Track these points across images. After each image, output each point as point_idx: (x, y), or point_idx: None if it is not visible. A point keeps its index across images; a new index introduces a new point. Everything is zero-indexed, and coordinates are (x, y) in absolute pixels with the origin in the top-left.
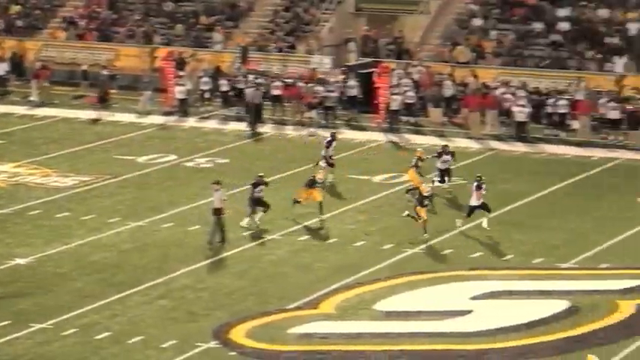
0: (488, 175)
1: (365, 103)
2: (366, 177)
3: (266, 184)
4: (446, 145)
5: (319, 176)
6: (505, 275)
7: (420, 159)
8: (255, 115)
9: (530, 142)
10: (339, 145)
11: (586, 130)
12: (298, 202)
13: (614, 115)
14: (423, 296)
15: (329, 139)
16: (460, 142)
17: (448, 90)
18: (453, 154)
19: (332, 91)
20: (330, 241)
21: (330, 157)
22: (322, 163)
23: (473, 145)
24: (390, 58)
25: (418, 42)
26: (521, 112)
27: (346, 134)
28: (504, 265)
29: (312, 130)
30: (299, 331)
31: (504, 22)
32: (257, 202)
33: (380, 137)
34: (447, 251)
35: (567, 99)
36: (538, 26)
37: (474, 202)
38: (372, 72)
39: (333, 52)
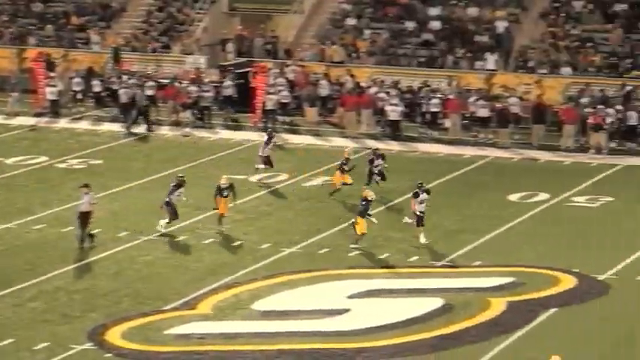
0: (362, 174)
1: (241, 102)
2: (242, 177)
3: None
4: (376, 149)
5: (222, 181)
6: (382, 274)
7: (347, 159)
8: (139, 116)
9: (404, 141)
10: (215, 145)
11: (457, 129)
12: (219, 212)
13: (483, 113)
14: (300, 295)
15: (266, 138)
16: (336, 142)
17: (323, 89)
18: (383, 156)
19: (207, 91)
20: (207, 241)
21: (267, 156)
22: (260, 166)
23: (349, 144)
24: (266, 57)
25: (292, 41)
26: (394, 110)
27: (222, 134)
28: (381, 264)
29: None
30: (176, 332)
31: (377, 21)
32: (171, 206)
33: (256, 137)
34: (324, 250)
35: (439, 97)
36: (410, 25)
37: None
38: (248, 72)
39: (208, 52)
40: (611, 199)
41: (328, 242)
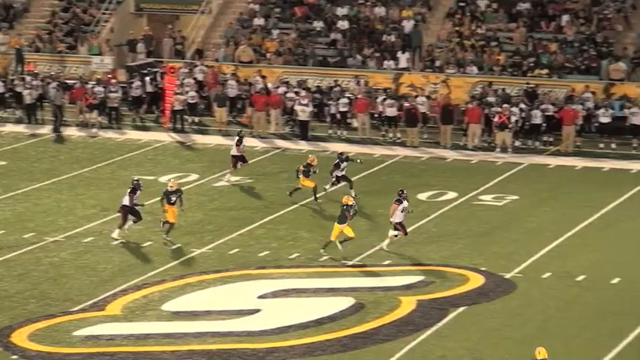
0: (273, 174)
1: (149, 103)
2: (152, 177)
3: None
4: (341, 153)
5: (170, 184)
6: (292, 273)
7: (310, 165)
8: (57, 116)
9: (313, 141)
10: (123, 146)
11: (366, 128)
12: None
13: (391, 112)
14: (211, 296)
15: (237, 139)
16: (246, 142)
17: (232, 89)
18: (347, 159)
19: (114, 92)
20: (115, 242)
21: (240, 155)
22: (238, 165)
23: (259, 144)
24: (175, 57)
25: (200, 41)
26: (303, 110)
27: (130, 135)
28: (291, 264)
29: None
30: (84, 333)
31: (285, 21)
32: (132, 211)
33: (165, 138)
34: (234, 250)
35: (348, 97)
36: (318, 25)
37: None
38: (157, 72)
39: (115, 53)
40: (516, 197)
41: (238, 243)
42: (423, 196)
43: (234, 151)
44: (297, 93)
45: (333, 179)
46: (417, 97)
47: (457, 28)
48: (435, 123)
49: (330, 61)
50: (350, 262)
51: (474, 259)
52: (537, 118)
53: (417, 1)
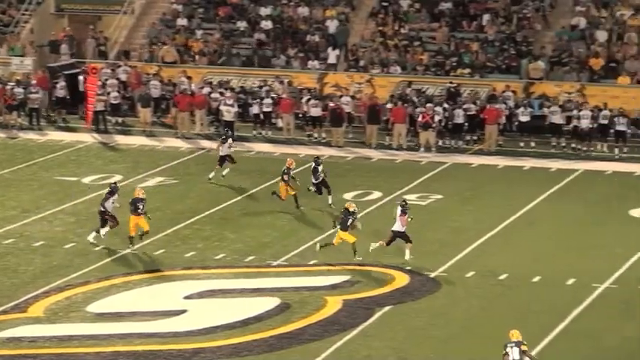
0: (198, 174)
1: (72, 104)
2: (74, 178)
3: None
4: (317, 158)
5: (138, 194)
6: (218, 274)
7: (288, 168)
8: None
9: (238, 141)
10: (45, 147)
11: (291, 128)
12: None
13: (316, 112)
14: (136, 297)
15: (223, 137)
16: (170, 142)
17: (156, 90)
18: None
19: (35, 93)
20: (37, 244)
21: (227, 155)
22: (224, 165)
23: (183, 144)
24: (97, 58)
25: (123, 42)
26: (228, 111)
27: (52, 136)
28: (217, 264)
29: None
30: (6, 335)
31: (209, 21)
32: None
33: (88, 138)
34: (160, 251)
35: (272, 97)
36: (242, 25)
37: (398, 227)
38: (78, 73)
39: (36, 53)
40: (440, 196)
41: (164, 243)
42: (348, 195)
43: (222, 152)
44: (221, 93)
45: (314, 189)
46: (341, 96)
47: (380, 28)
48: (360, 123)
49: (254, 61)
50: (275, 262)
51: (399, 259)
52: (459, 117)
53: (341, 1)
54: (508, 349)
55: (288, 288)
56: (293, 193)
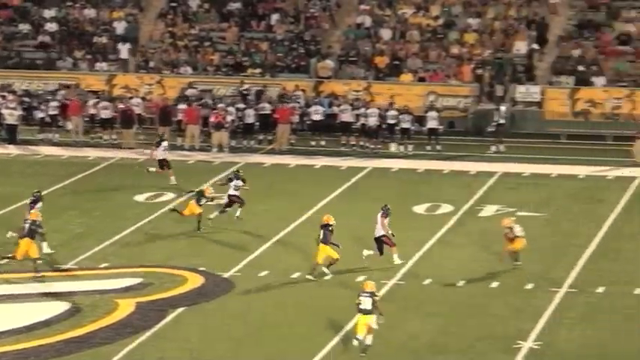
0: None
1: None
2: None
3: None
4: (237, 171)
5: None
6: (5, 279)
7: (202, 195)
8: None
9: (22, 145)
10: None
11: (79, 131)
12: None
13: (106, 114)
14: None
15: (157, 140)
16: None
17: None
18: (244, 180)
19: None
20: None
21: (162, 159)
22: (152, 169)
23: None
24: None
25: None
26: (11, 114)
27: None
28: (5, 269)
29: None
30: None
31: None
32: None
33: None
34: None
35: (58, 100)
36: (25, 27)
37: (379, 232)
38: None
39: None
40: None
41: None
42: (140, 197)
43: (157, 155)
44: (3, 97)
45: (226, 201)
46: (131, 98)
47: (170, 29)
48: (151, 124)
49: (38, 64)
50: (65, 266)
51: (193, 260)
52: (250, 117)
53: (129, 2)
54: (361, 299)
55: (78, 292)
56: (197, 212)
